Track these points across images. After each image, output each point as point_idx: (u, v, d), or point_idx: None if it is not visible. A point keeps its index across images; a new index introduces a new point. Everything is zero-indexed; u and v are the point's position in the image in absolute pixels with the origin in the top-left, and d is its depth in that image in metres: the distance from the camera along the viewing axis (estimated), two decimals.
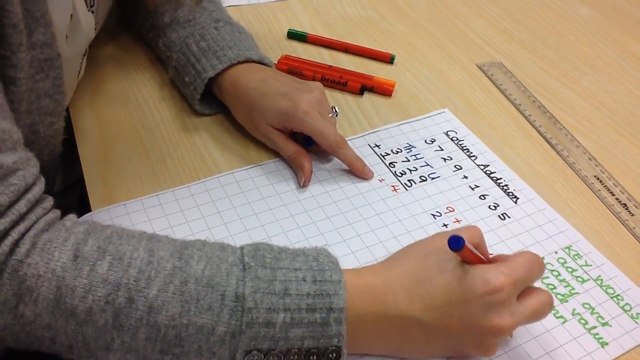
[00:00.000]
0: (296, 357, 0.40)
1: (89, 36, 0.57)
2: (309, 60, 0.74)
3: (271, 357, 0.40)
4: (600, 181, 0.63)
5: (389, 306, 0.42)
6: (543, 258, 0.50)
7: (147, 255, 0.41)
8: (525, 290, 0.44)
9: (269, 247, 0.43)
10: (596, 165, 0.65)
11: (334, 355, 0.41)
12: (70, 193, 0.71)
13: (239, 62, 0.61)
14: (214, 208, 0.56)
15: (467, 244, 0.40)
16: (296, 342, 0.40)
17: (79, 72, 0.59)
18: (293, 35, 0.79)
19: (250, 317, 0.39)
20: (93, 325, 0.39)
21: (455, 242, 0.40)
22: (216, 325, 0.39)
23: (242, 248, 0.43)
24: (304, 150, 0.59)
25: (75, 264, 0.39)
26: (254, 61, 0.62)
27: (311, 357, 0.41)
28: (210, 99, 0.64)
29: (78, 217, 0.46)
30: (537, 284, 0.52)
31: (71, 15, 0.51)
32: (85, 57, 0.59)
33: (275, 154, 0.62)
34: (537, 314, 0.44)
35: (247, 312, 0.39)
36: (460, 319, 0.42)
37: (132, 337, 0.39)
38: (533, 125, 0.70)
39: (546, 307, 0.44)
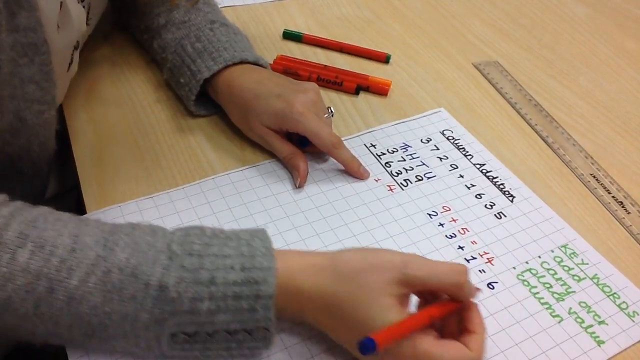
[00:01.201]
0: (223, 336, 0.41)
1: (80, 28, 0.57)
2: (305, 60, 0.74)
3: (197, 338, 0.41)
4: (597, 179, 0.63)
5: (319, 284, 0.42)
6: (540, 257, 0.50)
7: (70, 242, 0.40)
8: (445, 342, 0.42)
9: (201, 232, 0.43)
10: (592, 164, 0.65)
11: (262, 334, 0.41)
12: (67, 197, 0.71)
13: (234, 64, 0.61)
14: (209, 209, 0.55)
15: (379, 346, 0.38)
16: (222, 325, 0.41)
17: (70, 65, 0.58)
18: (288, 36, 0.79)
19: (173, 306, 0.40)
20: (13, 313, 0.39)
21: (365, 347, 0.37)
22: (139, 313, 0.40)
23: (172, 233, 0.43)
24: (300, 150, 0.59)
25: None
26: (249, 62, 0.62)
27: (239, 336, 0.41)
28: (205, 100, 0.64)
29: None
30: (534, 282, 0.52)
31: (61, 3, 0.51)
32: (77, 50, 0.59)
33: (271, 154, 0.61)
34: None
35: (170, 302, 0.40)
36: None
37: (55, 325, 0.40)
38: (529, 124, 0.69)
39: None
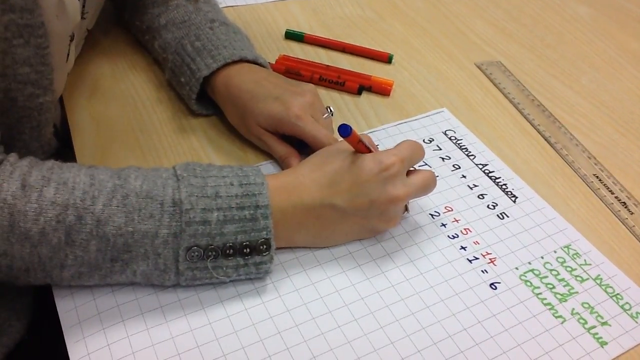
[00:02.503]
0: (231, 250, 0.46)
1: (74, 19, 0.56)
2: (307, 60, 0.74)
3: (209, 252, 0.46)
4: (600, 179, 0.63)
5: (303, 197, 0.49)
6: (542, 257, 0.50)
7: (88, 179, 0.45)
8: (412, 171, 0.53)
9: (198, 163, 0.49)
10: (595, 164, 0.65)
11: (264, 247, 0.47)
12: None
13: (234, 62, 0.61)
14: None
15: (356, 132, 0.48)
16: (230, 237, 0.46)
17: (67, 56, 0.58)
18: (290, 36, 0.79)
19: (188, 217, 0.44)
20: (47, 244, 0.43)
21: (344, 129, 0.47)
22: (159, 229, 0.44)
23: (174, 166, 0.48)
24: (296, 151, 0.59)
25: (24, 192, 0.43)
26: (248, 60, 0.62)
27: (245, 250, 0.47)
28: (207, 100, 0.64)
29: None
30: (537, 282, 0.51)
31: None
32: (72, 43, 0.59)
33: (272, 155, 0.61)
34: (426, 186, 0.53)
35: (185, 213, 0.44)
36: (364, 196, 0.49)
37: (84, 251, 0.44)
38: (532, 124, 0.69)
39: (431, 180, 0.53)
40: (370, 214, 0.50)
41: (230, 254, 0.46)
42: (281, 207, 0.48)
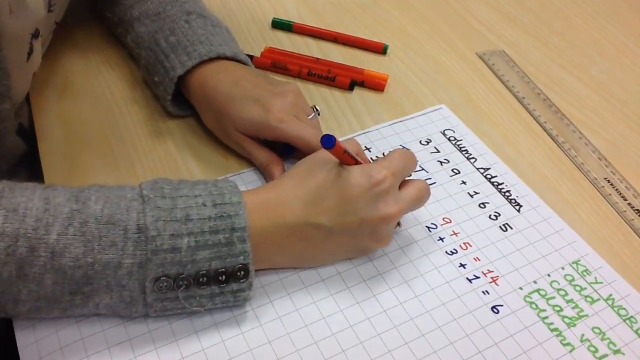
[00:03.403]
0: (205, 278, 0.42)
1: (38, 13, 0.51)
2: (295, 53, 0.69)
3: (180, 282, 0.41)
4: (611, 184, 0.58)
5: (286, 216, 0.44)
6: (549, 275, 0.45)
7: (42, 203, 0.40)
8: (404, 182, 0.48)
9: (167, 180, 0.44)
10: (606, 166, 0.60)
11: (242, 273, 0.42)
12: None
13: (211, 59, 0.56)
14: None
15: (340, 142, 0.43)
16: (203, 264, 0.41)
17: (29, 55, 0.53)
18: (278, 25, 0.73)
19: (154, 244, 0.40)
20: None
21: (327, 140, 0.42)
22: (122, 258, 0.40)
23: (139, 185, 0.43)
24: (277, 157, 0.54)
25: None
26: (227, 57, 0.57)
27: (220, 278, 0.42)
28: (184, 99, 0.59)
29: None
30: (543, 304, 0.47)
31: None
32: (38, 39, 0.53)
33: None
34: (419, 198, 0.48)
35: (151, 241, 0.40)
36: (353, 214, 0.44)
37: (39, 285, 0.39)
38: (537, 121, 0.64)
39: (425, 193, 0.49)
40: (360, 233, 0.46)
41: (204, 283, 0.42)
42: (261, 228, 0.44)
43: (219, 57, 0.56)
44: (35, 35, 0.54)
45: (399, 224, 0.51)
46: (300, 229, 0.45)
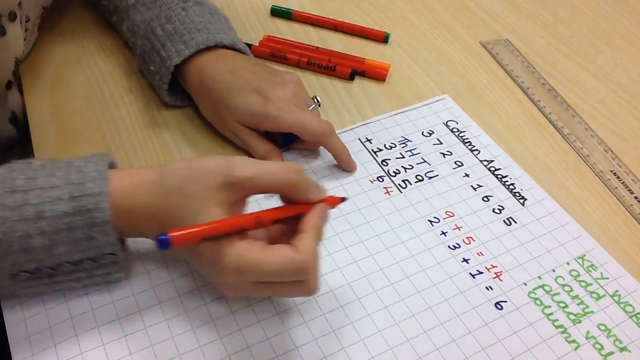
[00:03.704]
0: (68, 268, 0.40)
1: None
2: (294, 42, 0.67)
3: (40, 274, 0.39)
4: (618, 177, 0.56)
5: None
6: (554, 270, 0.44)
7: None
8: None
9: (26, 166, 0.40)
10: (613, 158, 0.58)
11: (111, 257, 0.40)
12: None
13: (208, 48, 0.54)
14: None
15: (176, 241, 0.36)
16: (63, 257, 0.39)
17: (3, 36, 0.52)
18: (277, 12, 0.71)
19: (2, 249, 0.38)
20: None
21: (160, 243, 0.36)
22: None
23: None
24: (277, 149, 0.53)
25: None
26: (225, 46, 0.55)
27: (85, 265, 0.40)
28: (181, 89, 0.58)
29: None
30: (547, 300, 0.46)
31: None
32: (15, 22, 0.52)
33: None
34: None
35: None
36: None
37: None
38: (542, 112, 0.63)
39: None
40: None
41: (66, 271, 0.40)
42: (127, 207, 0.40)
43: (217, 46, 0.55)
44: (12, 16, 0.52)
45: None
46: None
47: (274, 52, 0.64)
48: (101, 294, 0.44)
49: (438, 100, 0.62)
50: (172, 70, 0.54)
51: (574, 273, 0.48)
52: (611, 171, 0.57)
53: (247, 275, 0.38)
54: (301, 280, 0.39)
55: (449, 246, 0.49)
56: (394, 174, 0.54)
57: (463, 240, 0.50)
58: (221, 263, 0.37)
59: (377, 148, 0.57)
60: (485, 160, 0.57)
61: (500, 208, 0.53)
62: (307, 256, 0.38)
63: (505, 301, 0.46)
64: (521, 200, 0.53)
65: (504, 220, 0.52)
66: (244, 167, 0.39)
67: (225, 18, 0.60)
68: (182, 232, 0.37)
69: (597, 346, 0.44)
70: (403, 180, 0.54)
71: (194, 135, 0.57)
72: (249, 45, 0.64)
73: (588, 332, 0.45)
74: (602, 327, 0.45)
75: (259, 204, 0.50)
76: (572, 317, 0.46)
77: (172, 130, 0.57)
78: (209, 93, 0.53)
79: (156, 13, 0.57)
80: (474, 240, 0.50)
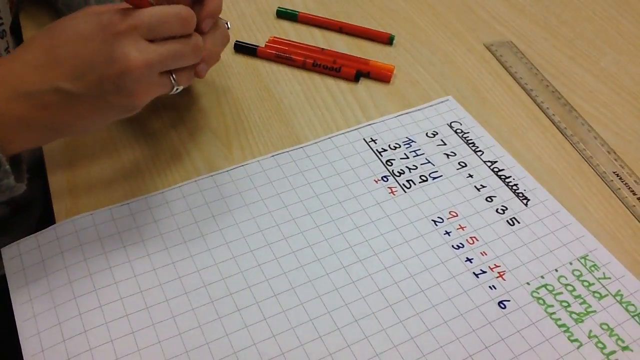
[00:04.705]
0: None
1: None
2: (299, 43, 0.68)
3: None
4: (620, 178, 0.57)
5: (17, 87, 0.39)
6: (557, 270, 0.44)
7: None
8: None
9: None
10: (615, 160, 0.59)
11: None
12: (34, 203, 0.65)
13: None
14: (190, 217, 0.50)
15: None
16: None
17: None
18: (282, 14, 0.72)
19: None
20: None
21: None
22: None
23: None
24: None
25: None
26: None
27: None
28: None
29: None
30: (550, 300, 0.47)
31: None
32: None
33: (260, 152, 0.56)
34: (178, 52, 0.41)
35: None
36: (91, 73, 0.39)
37: None
38: (546, 114, 0.63)
39: (186, 48, 0.42)
40: (105, 90, 0.40)
41: None
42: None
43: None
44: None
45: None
46: (38, 98, 0.39)
47: (280, 54, 0.65)
48: (110, 294, 0.44)
49: (442, 102, 0.63)
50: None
51: (577, 273, 0.49)
52: (614, 172, 0.57)
53: (139, 26, 0.39)
54: (189, 37, 0.41)
55: (452, 246, 0.50)
56: (398, 174, 0.55)
57: (467, 240, 0.50)
58: (117, 35, 0.38)
59: (382, 148, 0.57)
60: (488, 161, 0.57)
61: (504, 208, 0.53)
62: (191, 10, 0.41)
63: (509, 300, 0.47)
64: (524, 201, 0.54)
65: (507, 221, 0.52)
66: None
67: None
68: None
69: (600, 345, 0.44)
70: (407, 181, 0.55)
71: (200, 135, 0.57)
72: (255, 47, 0.65)
73: (590, 331, 0.45)
74: (605, 327, 0.46)
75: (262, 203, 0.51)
76: (574, 316, 0.46)
77: (179, 129, 0.58)
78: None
79: None
80: (477, 240, 0.50)
